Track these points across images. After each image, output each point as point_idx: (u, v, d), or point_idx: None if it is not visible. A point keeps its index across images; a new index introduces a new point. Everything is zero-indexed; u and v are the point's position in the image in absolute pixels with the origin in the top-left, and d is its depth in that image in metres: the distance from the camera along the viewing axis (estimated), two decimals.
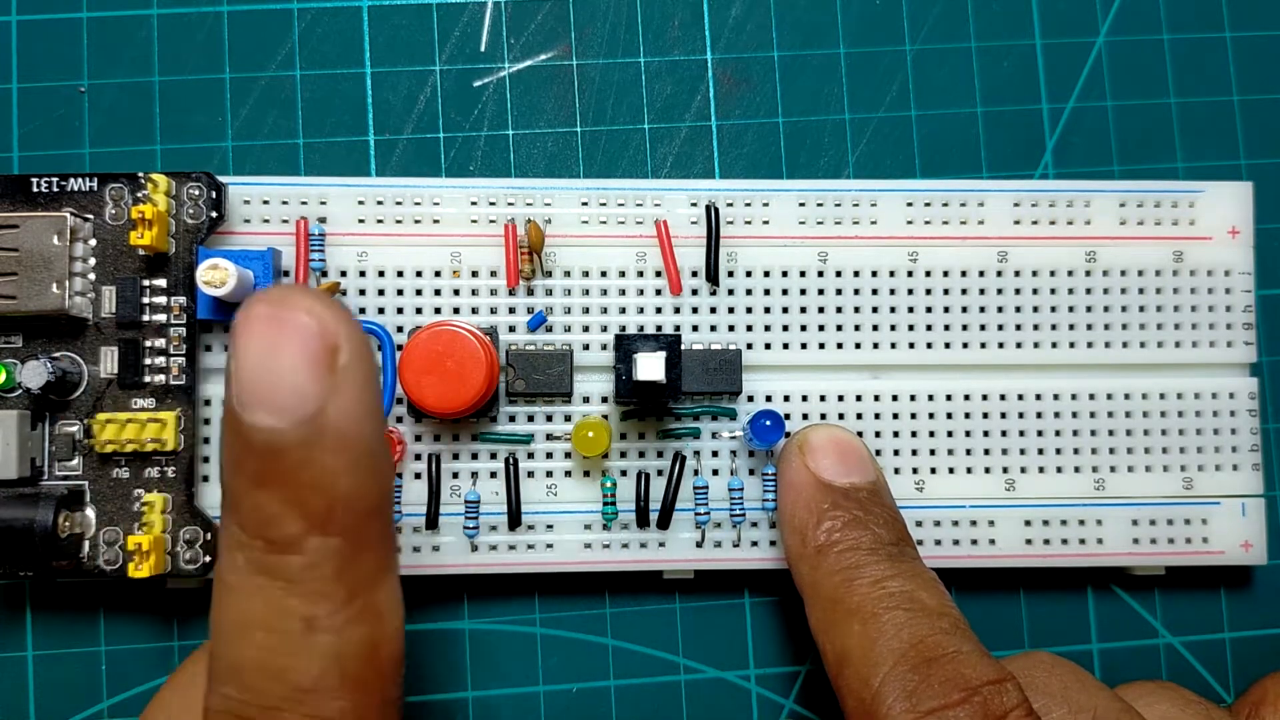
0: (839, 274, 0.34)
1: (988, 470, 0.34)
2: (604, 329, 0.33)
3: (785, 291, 0.34)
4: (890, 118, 0.36)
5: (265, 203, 0.33)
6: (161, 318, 0.32)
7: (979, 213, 0.34)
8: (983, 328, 0.34)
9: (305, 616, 0.22)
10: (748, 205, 0.33)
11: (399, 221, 0.33)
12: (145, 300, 0.32)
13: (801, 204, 0.34)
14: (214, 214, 0.32)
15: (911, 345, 0.34)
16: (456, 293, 0.33)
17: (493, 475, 0.33)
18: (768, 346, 0.33)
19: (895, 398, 0.34)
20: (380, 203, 0.33)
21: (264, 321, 0.21)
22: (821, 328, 0.34)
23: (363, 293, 0.33)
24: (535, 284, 0.33)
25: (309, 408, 0.21)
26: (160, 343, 0.32)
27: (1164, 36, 0.37)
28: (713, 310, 0.33)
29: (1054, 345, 0.34)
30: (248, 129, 0.35)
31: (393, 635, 0.23)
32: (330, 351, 0.21)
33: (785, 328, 0.34)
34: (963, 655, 0.26)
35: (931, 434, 0.34)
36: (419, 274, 0.33)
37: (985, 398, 0.34)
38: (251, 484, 0.21)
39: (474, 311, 0.33)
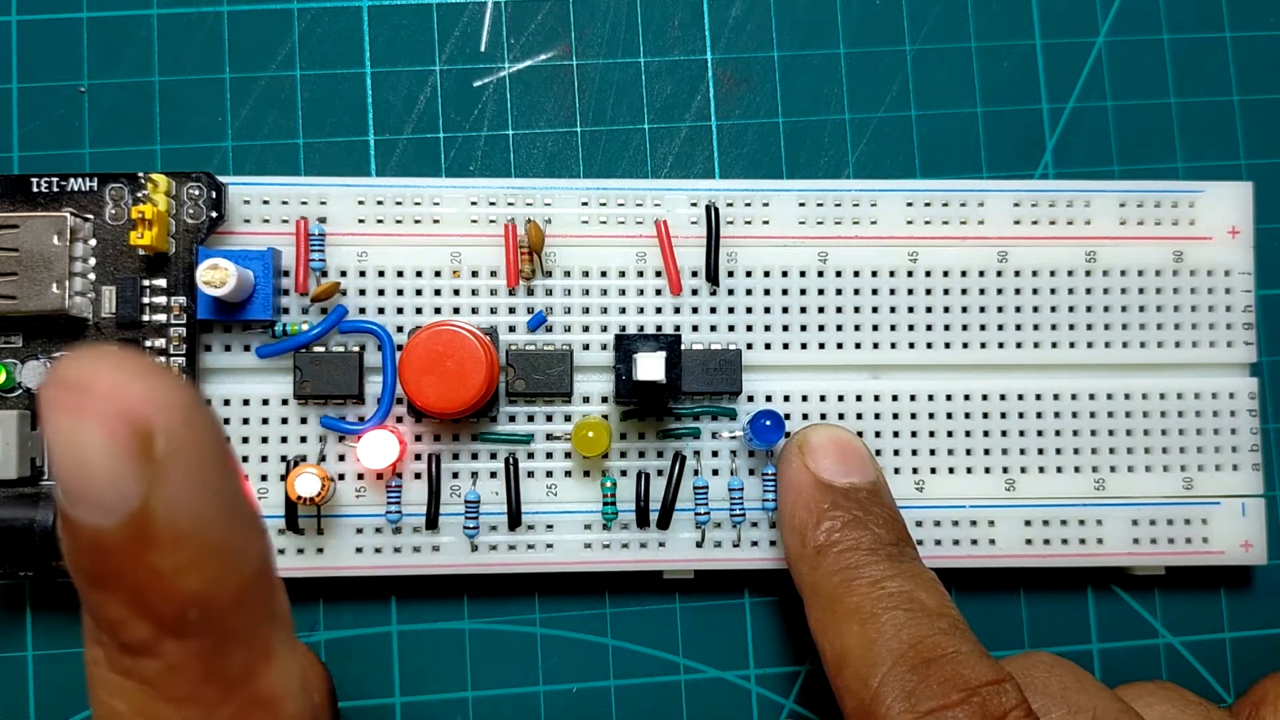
0: (839, 274, 0.34)
1: (988, 470, 0.34)
2: (604, 329, 0.33)
3: (785, 291, 0.34)
4: (890, 118, 0.36)
5: (265, 203, 0.33)
6: (161, 318, 0.32)
7: (979, 213, 0.34)
8: (983, 328, 0.34)
9: None
10: (748, 205, 0.33)
11: (399, 221, 0.33)
12: (145, 300, 0.32)
13: (801, 204, 0.34)
14: (214, 214, 0.32)
15: (911, 345, 0.34)
16: (456, 293, 0.33)
17: (493, 475, 0.33)
18: (768, 346, 0.33)
19: (895, 398, 0.34)
20: (380, 203, 0.33)
21: (62, 405, 0.17)
22: (821, 328, 0.34)
23: (363, 293, 0.33)
24: (535, 284, 0.33)
25: (128, 504, 0.17)
26: (160, 343, 0.32)
27: (1164, 36, 0.37)
28: (713, 310, 0.33)
29: (1054, 345, 0.34)
30: (248, 129, 0.35)
31: (292, 718, 0.21)
32: (142, 437, 0.17)
33: (785, 328, 0.34)
34: (962, 655, 0.26)
35: (931, 434, 0.34)
36: (419, 274, 0.33)
37: (985, 398, 0.34)
38: (89, 584, 0.19)
39: (474, 311, 0.33)
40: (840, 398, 0.34)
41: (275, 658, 0.21)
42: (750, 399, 0.33)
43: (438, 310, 0.33)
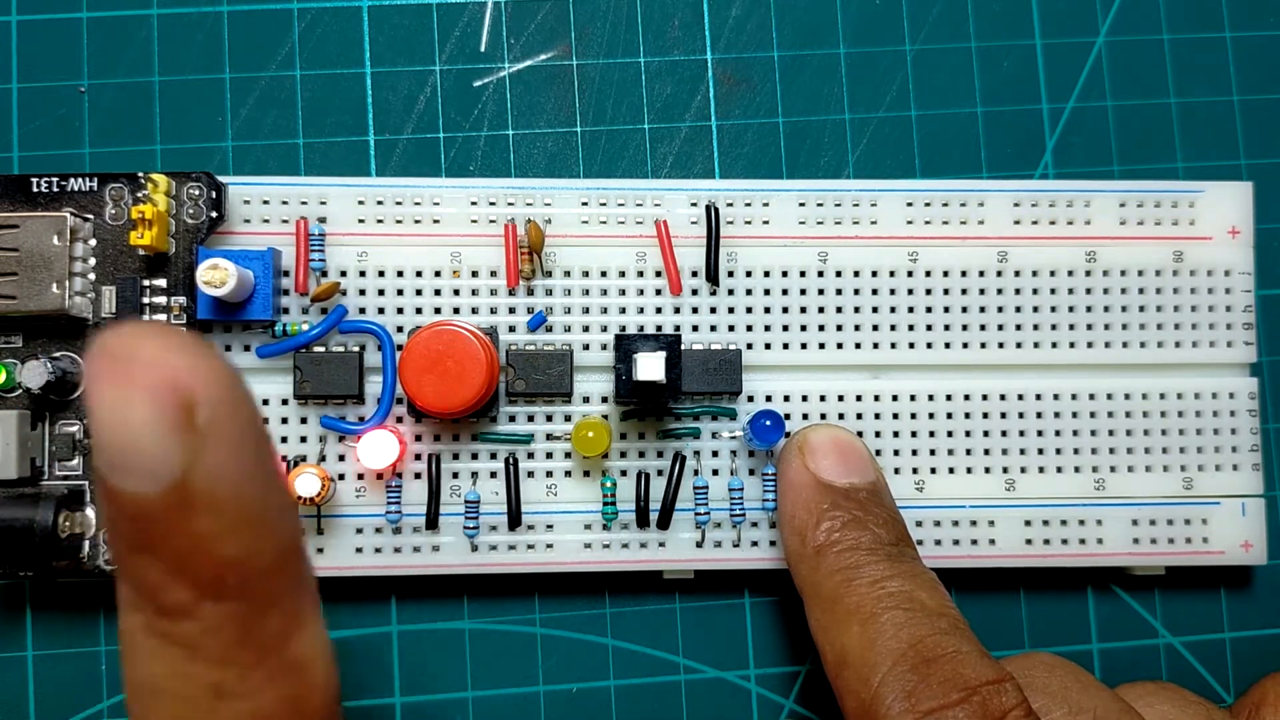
0: (839, 274, 0.34)
1: (988, 470, 0.34)
2: (604, 329, 0.33)
3: (785, 291, 0.34)
4: (890, 118, 0.36)
5: (265, 203, 0.33)
6: (161, 318, 0.32)
7: (979, 213, 0.34)
8: (983, 328, 0.34)
9: (212, 683, 0.20)
10: (748, 205, 0.33)
11: (399, 221, 0.33)
12: (145, 300, 0.32)
13: (801, 204, 0.34)
14: (214, 214, 0.32)
15: (911, 345, 0.34)
16: (456, 293, 0.33)
17: (493, 475, 0.33)
18: (768, 346, 0.33)
19: (895, 398, 0.34)
20: (380, 203, 0.33)
21: (109, 375, 0.18)
22: (821, 328, 0.34)
23: (363, 293, 0.33)
24: (535, 284, 0.33)
25: (171, 472, 0.18)
26: None
27: (1164, 36, 0.37)
28: (713, 310, 0.33)
29: (1054, 345, 0.34)
30: (248, 129, 0.35)
31: (319, 685, 0.21)
32: (185, 408, 0.18)
33: (785, 328, 0.34)
34: (962, 655, 0.26)
35: (931, 434, 0.34)
36: (419, 274, 0.33)
37: (985, 398, 0.34)
38: (129, 550, 0.19)
39: (474, 311, 0.33)
40: (840, 398, 0.34)
41: (307, 625, 0.21)
42: (750, 399, 0.33)
43: (438, 310, 0.33)
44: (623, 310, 0.33)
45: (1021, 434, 0.34)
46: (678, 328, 0.33)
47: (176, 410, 0.18)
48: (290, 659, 0.21)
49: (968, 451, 0.34)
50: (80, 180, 0.31)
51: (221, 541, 0.19)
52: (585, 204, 0.33)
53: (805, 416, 0.34)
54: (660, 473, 0.33)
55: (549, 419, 0.33)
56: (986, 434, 0.34)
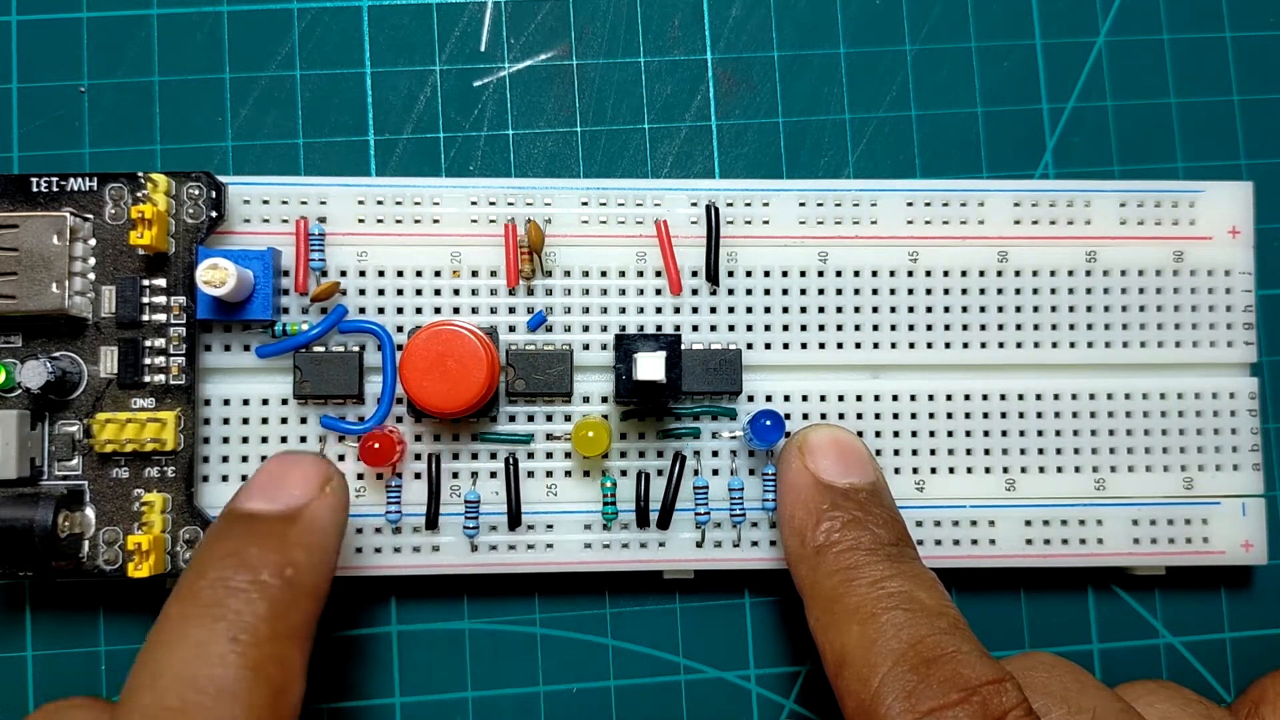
0: (839, 274, 0.34)
1: (988, 470, 0.34)
2: (604, 329, 0.33)
3: (785, 291, 0.34)
4: (890, 118, 0.36)
5: (265, 202, 0.33)
6: (161, 317, 0.32)
7: (979, 213, 0.34)
8: (983, 328, 0.34)
9: (232, 636, 0.26)
10: (748, 205, 0.33)
11: (399, 221, 0.33)
12: (145, 300, 0.32)
13: (801, 204, 0.34)
14: (214, 214, 0.32)
15: (911, 345, 0.34)
16: (456, 293, 0.33)
17: (493, 475, 0.33)
18: (768, 346, 0.33)
19: (895, 398, 0.34)
20: (380, 203, 0.33)
21: (282, 458, 0.30)
22: (821, 328, 0.34)
23: (363, 293, 0.33)
24: (535, 284, 0.33)
25: (296, 502, 0.29)
26: (160, 342, 0.32)
27: (1164, 36, 0.37)
28: (713, 310, 0.33)
29: (1054, 345, 0.34)
30: (248, 129, 0.35)
31: (292, 687, 0.27)
32: (325, 478, 0.30)
33: (785, 328, 0.33)
34: (962, 655, 0.26)
35: (931, 434, 0.34)
36: (419, 274, 0.33)
37: (985, 398, 0.34)
38: (224, 530, 0.28)
39: (474, 311, 0.33)
40: (840, 398, 0.34)
41: (302, 648, 0.28)
42: (750, 399, 0.33)
43: (438, 310, 0.33)
44: (623, 310, 0.33)
45: (1021, 434, 0.34)
46: (678, 328, 0.33)
47: (319, 477, 0.30)
48: (285, 656, 0.27)
49: (968, 451, 0.34)
50: (80, 180, 0.31)
51: (296, 550, 0.28)
52: (585, 204, 0.33)
53: (805, 416, 0.34)
54: (660, 473, 0.33)
55: (549, 419, 0.33)
56: (986, 434, 0.34)
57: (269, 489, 0.29)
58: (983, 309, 0.34)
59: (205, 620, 0.26)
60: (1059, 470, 0.34)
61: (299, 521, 0.28)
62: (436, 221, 0.33)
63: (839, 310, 0.34)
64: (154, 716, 0.25)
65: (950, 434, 0.34)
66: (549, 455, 0.33)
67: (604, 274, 0.33)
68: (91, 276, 0.31)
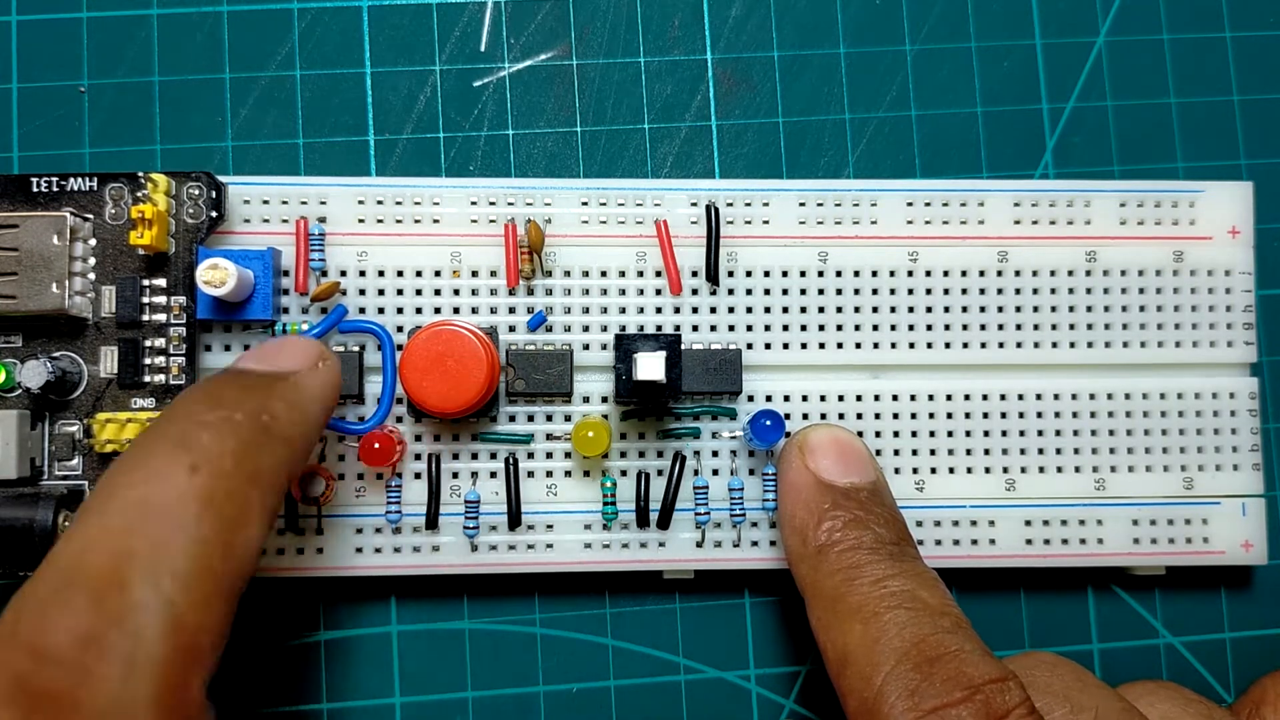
0: (839, 274, 0.34)
1: (988, 470, 0.34)
2: (604, 329, 0.33)
3: (785, 291, 0.34)
4: (890, 118, 0.36)
5: (265, 202, 0.33)
6: (161, 317, 0.32)
7: (979, 213, 0.34)
8: (983, 328, 0.34)
9: (192, 465, 0.25)
10: (748, 205, 0.33)
11: (399, 221, 0.33)
12: (145, 300, 0.32)
13: (801, 204, 0.34)
14: (214, 214, 0.32)
15: (911, 345, 0.34)
16: (456, 293, 0.33)
17: (493, 475, 0.33)
18: (768, 346, 0.33)
19: (895, 398, 0.34)
20: (380, 203, 0.33)
21: (280, 337, 0.31)
22: (821, 328, 0.34)
23: (363, 293, 0.33)
24: (535, 284, 0.33)
25: (288, 366, 0.29)
26: (160, 342, 0.32)
27: (1164, 36, 0.37)
28: (713, 310, 0.33)
29: (1054, 345, 0.34)
30: (248, 129, 0.35)
31: (248, 530, 0.25)
32: (319, 355, 0.29)
33: (785, 328, 0.33)
34: (965, 654, 0.26)
35: (931, 434, 0.34)
36: (419, 274, 0.33)
37: (985, 398, 0.34)
38: (209, 379, 0.28)
39: (474, 311, 0.33)
40: (840, 398, 0.34)
41: (268, 500, 0.27)
42: (750, 399, 0.33)
43: (438, 310, 0.33)
44: (623, 310, 0.33)
45: (1021, 434, 0.34)
46: (678, 328, 0.33)
47: (314, 354, 0.29)
48: (251, 500, 0.27)
49: (968, 451, 0.34)
50: (80, 180, 0.31)
51: (278, 403, 0.27)
52: (585, 204, 0.33)
53: (805, 416, 0.33)
54: (660, 473, 0.33)
55: (549, 419, 0.33)
56: (986, 434, 0.34)
57: (262, 355, 0.29)
58: (983, 309, 0.34)
59: (168, 448, 0.25)
60: (1059, 470, 0.34)
61: (285, 380, 0.28)
62: (436, 221, 0.33)
63: (839, 310, 0.34)
64: (96, 536, 0.24)
65: (950, 434, 0.34)
66: (549, 455, 0.33)
67: (604, 274, 0.33)
68: (91, 276, 0.31)
